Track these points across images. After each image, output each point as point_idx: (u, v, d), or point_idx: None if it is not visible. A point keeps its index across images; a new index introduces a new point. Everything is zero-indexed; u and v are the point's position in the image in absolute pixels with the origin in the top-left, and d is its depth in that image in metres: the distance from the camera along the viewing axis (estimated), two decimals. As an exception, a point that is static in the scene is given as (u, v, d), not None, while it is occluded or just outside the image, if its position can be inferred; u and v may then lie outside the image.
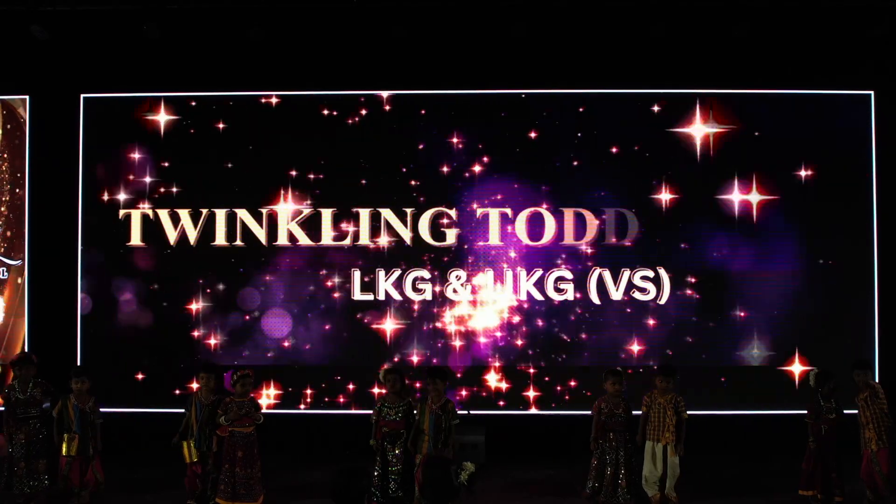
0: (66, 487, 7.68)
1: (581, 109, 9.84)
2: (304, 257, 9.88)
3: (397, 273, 9.83)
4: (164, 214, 9.92)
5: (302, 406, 9.82)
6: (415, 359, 9.75)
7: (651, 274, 9.75)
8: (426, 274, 9.84)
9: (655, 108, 9.80)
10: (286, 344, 9.84)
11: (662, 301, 9.73)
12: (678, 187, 9.77)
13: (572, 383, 9.75)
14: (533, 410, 9.77)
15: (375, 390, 9.61)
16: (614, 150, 9.79)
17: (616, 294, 9.75)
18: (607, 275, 9.76)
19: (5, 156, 10.10)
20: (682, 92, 9.83)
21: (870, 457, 7.65)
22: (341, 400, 9.81)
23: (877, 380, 8.70)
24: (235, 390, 7.71)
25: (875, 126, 9.72)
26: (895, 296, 9.69)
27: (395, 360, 9.69)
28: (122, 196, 9.93)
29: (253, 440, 7.66)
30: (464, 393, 9.73)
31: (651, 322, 9.72)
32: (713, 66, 9.73)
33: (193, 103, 9.97)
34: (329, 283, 9.85)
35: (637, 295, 9.75)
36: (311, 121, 9.91)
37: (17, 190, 10.06)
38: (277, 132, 9.90)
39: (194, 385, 9.41)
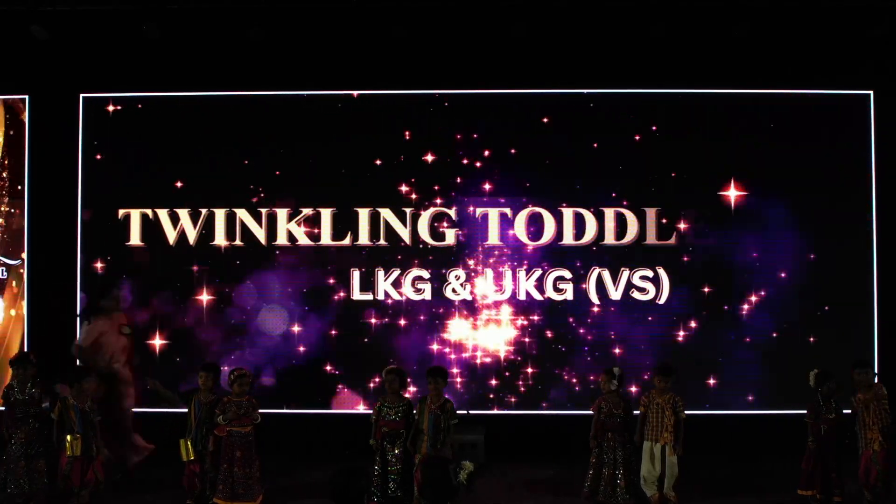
0: (66, 487, 7.67)
1: (581, 109, 9.83)
2: (304, 257, 9.88)
3: (396, 273, 9.82)
4: (163, 214, 9.92)
5: (300, 406, 9.81)
6: (414, 358, 9.73)
7: (650, 274, 9.75)
8: (425, 274, 9.83)
9: (657, 108, 9.80)
10: (285, 343, 9.83)
11: (662, 301, 9.73)
12: (678, 186, 9.77)
13: (572, 383, 9.75)
14: (533, 410, 9.77)
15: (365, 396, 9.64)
16: (615, 149, 9.78)
17: (615, 294, 9.75)
18: (606, 274, 9.76)
19: (6, 162, 10.09)
20: (683, 92, 9.83)
21: (871, 457, 7.64)
22: (340, 400, 9.82)
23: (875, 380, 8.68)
24: (233, 390, 7.72)
25: (874, 126, 9.73)
26: (894, 295, 9.69)
27: (394, 359, 9.67)
28: (121, 196, 9.93)
29: (251, 440, 7.67)
30: (462, 392, 9.71)
31: (651, 322, 9.72)
32: (713, 66, 9.72)
33: (193, 103, 9.97)
34: (328, 283, 9.85)
35: (636, 295, 9.75)
36: (311, 120, 9.91)
37: (19, 186, 10.03)
38: (277, 132, 9.90)
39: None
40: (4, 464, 7.75)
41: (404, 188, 9.85)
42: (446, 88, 9.88)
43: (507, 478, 8.80)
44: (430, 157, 9.86)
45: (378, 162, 9.86)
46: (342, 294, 9.84)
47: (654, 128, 9.79)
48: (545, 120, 9.82)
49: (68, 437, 7.58)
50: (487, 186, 9.84)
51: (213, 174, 9.92)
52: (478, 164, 9.85)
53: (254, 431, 7.71)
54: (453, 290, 9.82)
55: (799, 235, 9.74)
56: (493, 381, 9.79)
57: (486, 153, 9.85)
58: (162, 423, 8.88)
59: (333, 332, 9.84)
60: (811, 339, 9.65)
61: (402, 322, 9.82)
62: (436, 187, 9.85)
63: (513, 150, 9.83)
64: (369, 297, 9.83)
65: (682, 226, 9.76)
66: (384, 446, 7.67)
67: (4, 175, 10.06)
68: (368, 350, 9.80)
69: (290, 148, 9.90)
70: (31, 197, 10.02)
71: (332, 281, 9.86)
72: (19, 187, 10.05)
